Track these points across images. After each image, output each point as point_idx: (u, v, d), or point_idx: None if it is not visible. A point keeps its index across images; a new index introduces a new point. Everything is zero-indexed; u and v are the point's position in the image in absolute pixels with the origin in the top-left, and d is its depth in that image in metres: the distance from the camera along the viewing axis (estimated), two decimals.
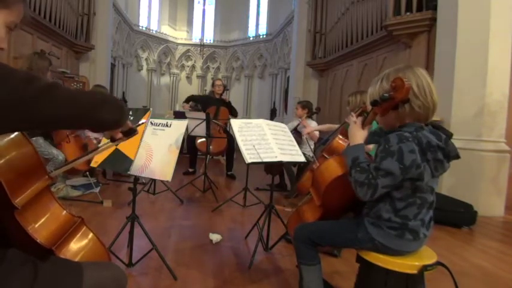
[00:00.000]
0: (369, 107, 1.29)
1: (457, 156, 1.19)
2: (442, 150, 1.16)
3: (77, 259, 0.92)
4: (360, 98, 2.97)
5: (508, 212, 3.71)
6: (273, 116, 10.08)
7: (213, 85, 5.57)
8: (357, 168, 1.20)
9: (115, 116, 0.84)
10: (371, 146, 2.70)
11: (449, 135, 1.20)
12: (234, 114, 5.46)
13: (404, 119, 1.22)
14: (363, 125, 1.31)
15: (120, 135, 0.96)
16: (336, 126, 3.64)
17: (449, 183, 3.63)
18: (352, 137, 1.31)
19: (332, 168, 1.35)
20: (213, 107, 5.15)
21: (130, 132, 0.97)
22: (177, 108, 9.64)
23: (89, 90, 0.86)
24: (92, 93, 0.81)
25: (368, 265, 1.26)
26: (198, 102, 5.68)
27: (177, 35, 11.95)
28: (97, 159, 1.94)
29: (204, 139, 4.83)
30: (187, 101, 5.61)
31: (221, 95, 5.33)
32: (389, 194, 1.19)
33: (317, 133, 4.05)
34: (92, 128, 0.85)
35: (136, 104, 9.52)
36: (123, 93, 10.04)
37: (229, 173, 5.39)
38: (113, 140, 0.97)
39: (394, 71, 1.23)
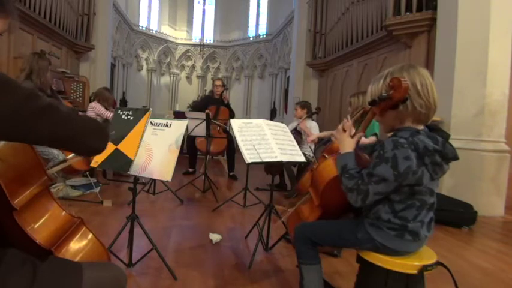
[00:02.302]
0: (367, 107, 1.29)
1: (455, 158, 1.18)
2: (439, 153, 1.15)
3: (76, 259, 0.92)
4: (362, 99, 2.96)
5: (508, 212, 3.70)
6: (273, 116, 10.08)
7: (213, 85, 5.58)
8: (346, 175, 1.22)
9: (102, 144, 0.88)
10: (367, 140, 2.70)
11: (447, 137, 1.19)
12: (231, 116, 5.43)
13: (404, 119, 1.21)
14: (363, 125, 1.32)
15: None
16: None
17: (449, 183, 3.63)
18: (340, 147, 1.33)
19: (330, 168, 1.35)
20: (213, 106, 5.14)
21: None
22: (177, 108, 9.64)
23: (82, 115, 0.89)
24: (86, 119, 0.85)
25: (368, 265, 1.26)
26: (201, 104, 5.64)
27: (177, 35, 11.96)
28: (97, 159, 1.94)
29: (203, 138, 4.83)
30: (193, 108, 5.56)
31: (221, 94, 5.31)
32: (387, 196, 1.19)
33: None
34: (78, 153, 0.89)
35: (136, 104, 9.54)
36: (123, 93, 10.04)
37: (231, 173, 5.35)
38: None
39: (398, 69, 1.22)
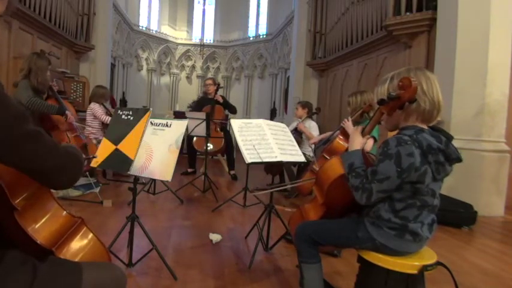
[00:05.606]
0: (376, 106, 1.30)
1: (459, 160, 1.19)
2: (443, 153, 1.16)
3: (76, 259, 0.92)
4: (360, 99, 2.96)
5: (508, 212, 3.70)
6: (273, 116, 10.07)
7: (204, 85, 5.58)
8: (353, 173, 1.22)
9: (72, 181, 0.88)
10: (371, 145, 2.70)
11: (450, 138, 1.20)
12: (233, 112, 5.36)
13: (409, 115, 1.22)
14: (371, 124, 1.33)
15: None
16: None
17: (449, 183, 3.62)
18: (350, 143, 1.36)
19: (336, 166, 1.36)
20: (208, 106, 5.12)
21: None
22: (177, 108, 9.63)
23: (61, 146, 0.87)
24: (67, 155, 0.84)
25: (368, 265, 1.26)
26: (196, 108, 5.59)
27: (177, 35, 11.95)
28: (97, 159, 1.94)
29: (199, 138, 4.82)
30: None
31: (214, 94, 5.22)
32: (389, 194, 1.20)
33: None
34: (46, 186, 0.90)
35: (136, 104, 9.52)
36: (123, 93, 10.03)
37: (232, 172, 5.32)
38: None
39: (405, 71, 1.24)
